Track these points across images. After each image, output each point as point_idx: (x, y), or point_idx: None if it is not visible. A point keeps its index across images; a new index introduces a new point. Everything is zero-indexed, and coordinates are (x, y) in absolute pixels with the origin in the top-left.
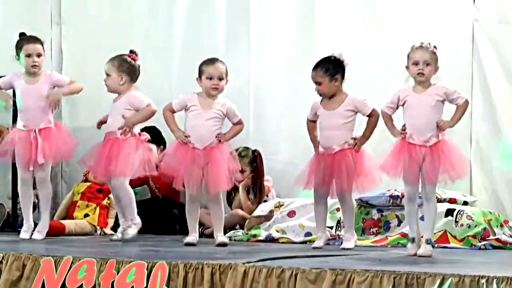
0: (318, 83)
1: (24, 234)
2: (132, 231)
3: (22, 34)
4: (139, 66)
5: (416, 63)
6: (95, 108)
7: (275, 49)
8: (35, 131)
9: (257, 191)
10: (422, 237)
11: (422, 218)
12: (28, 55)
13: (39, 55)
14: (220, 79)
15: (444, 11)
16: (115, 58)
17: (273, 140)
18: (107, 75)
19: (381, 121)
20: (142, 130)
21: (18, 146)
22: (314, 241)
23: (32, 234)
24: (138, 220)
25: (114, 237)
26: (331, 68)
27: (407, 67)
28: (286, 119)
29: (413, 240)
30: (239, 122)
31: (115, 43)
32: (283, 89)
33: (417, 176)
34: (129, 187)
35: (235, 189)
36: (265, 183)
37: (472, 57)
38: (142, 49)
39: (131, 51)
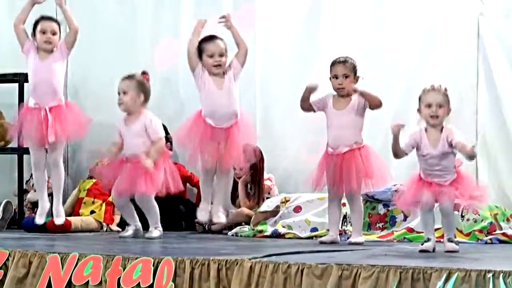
0: (346, 76)
1: (39, 218)
2: (156, 233)
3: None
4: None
5: (429, 105)
6: (99, 104)
7: (281, 45)
8: (45, 110)
9: (256, 187)
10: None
11: None
12: (43, 32)
13: (53, 33)
14: (221, 55)
15: (449, 6)
16: (132, 77)
17: (280, 136)
18: (124, 92)
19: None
20: None
21: (28, 125)
22: (320, 236)
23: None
24: (160, 226)
25: (125, 234)
26: (356, 66)
27: (418, 110)
28: (293, 115)
29: (428, 239)
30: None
31: (120, 39)
32: (289, 85)
33: (434, 204)
34: (154, 201)
35: (237, 187)
36: (267, 182)
37: (477, 51)
38: (149, 45)
39: (144, 72)
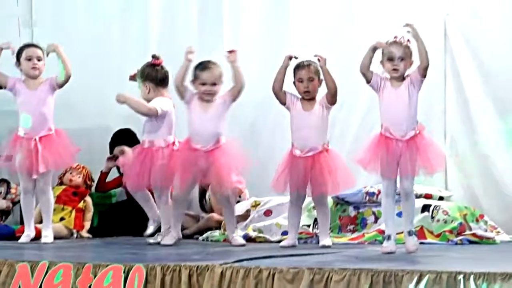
0: (311, 79)
1: (24, 238)
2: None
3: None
4: (162, 68)
5: (391, 59)
6: (75, 111)
7: (248, 47)
8: (35, 139)
9: None
10: (399, 233)
11: (399, 215)
12: (29, 59)
13: (39, 59)
14: (214, 84)
15: (416, 6)
16: (140, 69)
17: (250, 138)
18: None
19: (356, 117)
20: (116, 132)
21: (19, 154)
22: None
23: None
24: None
25: (152, 240)
26: (319, 69)
27: (381, 62)
28: (263, 116)
29: (388, 237)
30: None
31: (91, 42)
32: (258, 87)
33: (395, 170)
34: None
35: (204, 193)
36: (237, 184)
37: (445, 52)
38: (119, 46)
39: (152, 56)
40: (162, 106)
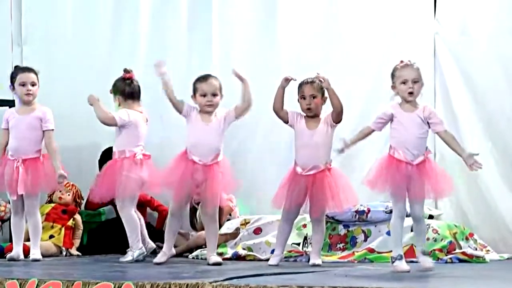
0: (313, 97)
1: (13, 256)
2: (127, 257)
3: (16, 67)
4: (131, 82)
5: (404, 82)
6: (62, 127)
7: (239, 57)
8: (18, 161)
9: None
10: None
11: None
12: (23, 84)
13: (33, 84)
14: (214, 95)
15: (405, 24)
16: (113, 82)
17: (240, 152)
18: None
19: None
20: (105, 150)
21: (5, 175)
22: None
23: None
24: (139, 246)
25: (124, 259)
26: (322, 87)
27: (393, 87)
28: (252, 134)
29: (401, 257)
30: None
31: (80, 58)
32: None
33: (405, 193)
34: (132, 213)
35: (195, 211)
36: (228, 203)
37: (434, 70)
38: (107, 63)
39: (124, 70)
40: (122, 116)
